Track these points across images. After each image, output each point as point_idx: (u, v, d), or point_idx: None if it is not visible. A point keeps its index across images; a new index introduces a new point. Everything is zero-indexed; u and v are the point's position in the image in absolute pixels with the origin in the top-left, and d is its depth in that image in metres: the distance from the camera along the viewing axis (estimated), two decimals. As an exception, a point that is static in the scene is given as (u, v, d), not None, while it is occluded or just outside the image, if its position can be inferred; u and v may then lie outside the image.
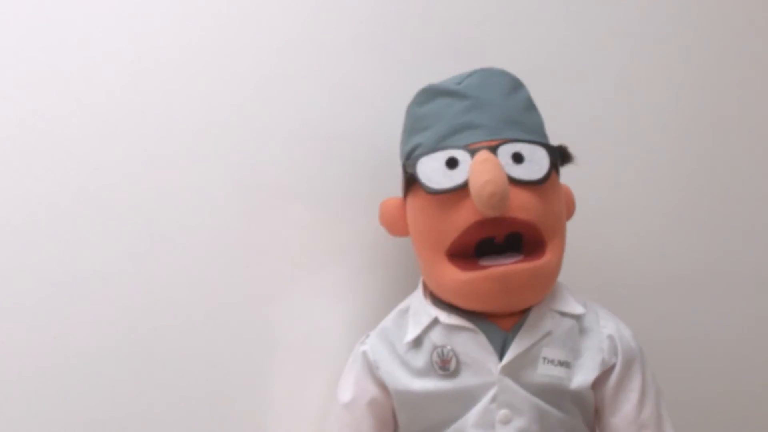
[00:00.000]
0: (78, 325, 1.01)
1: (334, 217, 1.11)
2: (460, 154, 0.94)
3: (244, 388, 1.08)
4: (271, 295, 1.08)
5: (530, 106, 1.01)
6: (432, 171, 0.95)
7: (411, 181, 0.98)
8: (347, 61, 1.13)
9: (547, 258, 0.96)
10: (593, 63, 1.23)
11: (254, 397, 1.08)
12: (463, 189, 0.93)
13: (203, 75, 1.07)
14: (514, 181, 0.93)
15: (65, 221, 1.01)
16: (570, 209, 1.02)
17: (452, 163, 0.94)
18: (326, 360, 1.07)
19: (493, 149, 0.93)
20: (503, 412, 0.93)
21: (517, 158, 0.94)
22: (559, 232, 0.99)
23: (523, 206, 0.93)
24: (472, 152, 0.93)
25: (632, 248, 1.23)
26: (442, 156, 0.95)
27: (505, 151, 0.94)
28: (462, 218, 0.94)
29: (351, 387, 1.01)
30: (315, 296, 1.10)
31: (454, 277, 0.95)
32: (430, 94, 1.00)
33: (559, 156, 0.99)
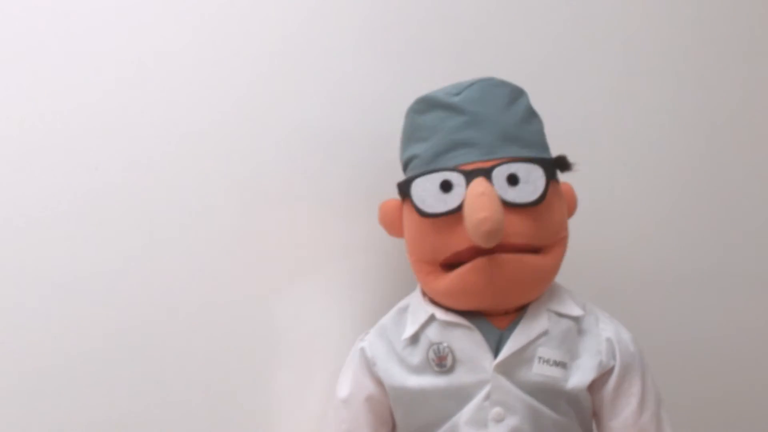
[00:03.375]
0: (78, 325, 1.02)
1: (335, 217, 1.11)
2: (455, 177, 0.94)
3: (245, 387, 1.08)
4: (272, 295, 1.09)
5: (529, 116, 1.00)
6: (426, 193, 0.95)
7: (407, 194, 0.98)
8: (347, 60, 1.13)
9: (540, 256, 0.96)
10: (594, 63, 1.23)
11: (255, 397, 1.08)
12: (457, 213, 0.93)
13: (203, 75, 1.08)
14: (508, 205, 0.93)
15: (65, 221, 1.02)
16: (571, 207, 1.02)
17: (446, 187, 0.94)
18: (327, 360, 1.08)
19: (488, 171, 0.93)
20: (496, 410, 0.93)
21: (512, 180, 0.94)
22: (560, 240, 0.99)
23: (517, 231, 0.94)
24: (467, 175, 0.93)
25: (632, 248, 1.22)
26: (437, 178, 0.95)
27: (500, 173, 0.94)
28: (455, 242, 0.94)
29: (349, 383, 1.02)
30: (316, 296, 1.11)
31: (445, 279, 0.96)
32: (428, 103, 1.00)
33: (558, 167, 0.98)
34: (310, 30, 1.12)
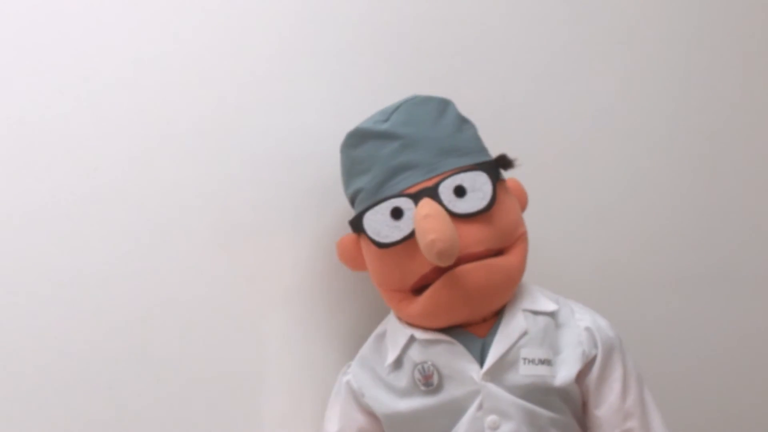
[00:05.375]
0: (78, 325, 1.01)
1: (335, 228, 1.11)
2: (403, 202, 0.94)
3: (242, 383, 1.07)
4: (273, 295, 1.09)
5: (460, 124, 1.01)
6: (379, 224, 0.95)
7: (360, 229, 0.98)
8: (344, 65, 1.13)
9: (504, 257, 0.96)
10: (594, 64, 1.23)
11: (256, 397, 1.08)
12: (412, 238, 0.93)
13: (204, 74, 1.07)
14: (461, 216, 0.93)
15: (65, 221, 1.01)
16: (522, 201, 1.02)
17: (397, 214, 0.95)
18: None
19: (434, 189, 0.94)
20: (491, 419, 0.93)
21: (459, 192, 0.94)
22: (519, 237, 0.99)
23: (475, 240, 0.94)
24: (414, 197, 0.94)
25: (633, 249, 1.23)
26: (386, 207, 0.95)
27: (446, 187, 0.94)
28: (418, 266, 0.95)
29: (337, 418, 1.01)
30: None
31: (417, 303, 0.96)
32: (359, 136, 1.00)
33: (501, 167, 0.99)
34: (307, 34, 1.12)
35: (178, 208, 1.06)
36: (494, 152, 1.01)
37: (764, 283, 1.27)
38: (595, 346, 0.98)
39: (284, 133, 1.10)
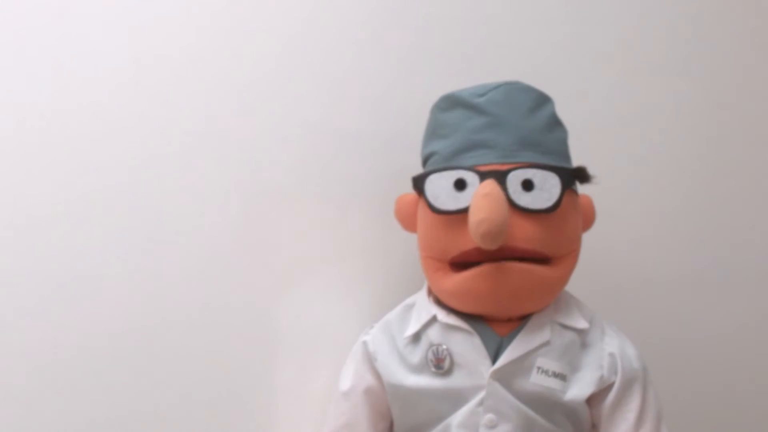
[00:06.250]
0: (78, 325, 1.02)
1: (337, 216, 1.11)
2: (470, 177, 0.94)
3: (246, 387, 1.08)
4: (273, 294, 1.09)
5: (553, 124, 0.99)
6: (440, 189, 0.95)
7: (420, 188, 0.98)
8: (348, 60, 1.13)
9: (549, 267, 0.95)
10: (596, 63, 1.21)
11: (257, 395, 1.09)
12: (466, 213, 0.92)
13: (204, 74, 1.08)
14: (520, 209, 0.93)
15: (65, 221, 1.02)
16: (588, 221, 1.01)
17: (460, 185, 0.94)
18: (329, 358, 1.07)
19: (504, 174, 0.93)
20: (489, 417, 0.93)
21: (527, 185, 0.93)
22: (571, 252, 0.98)
23: (526, 236, 0.93)
24: (482, 175, 0.93)
25: (632, 249, 1.21)
26: (452, 176, 0.95)
27: (516, 177, 0.93)
28: (463, 241, 0.94)
29: (350, 375, 1.02)
30: (318, 295, 1.11)
31: (452, 279, 0.96)
32: (451, 101, 1.00)
33: (576, 178, 0.98)
34: (311, 29, 1.12)
35: (179, 208, 1.06)
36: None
37: (764, 283, 1.24)
38: (615, 372, 0.97)
39: (285, 132, 1.10)
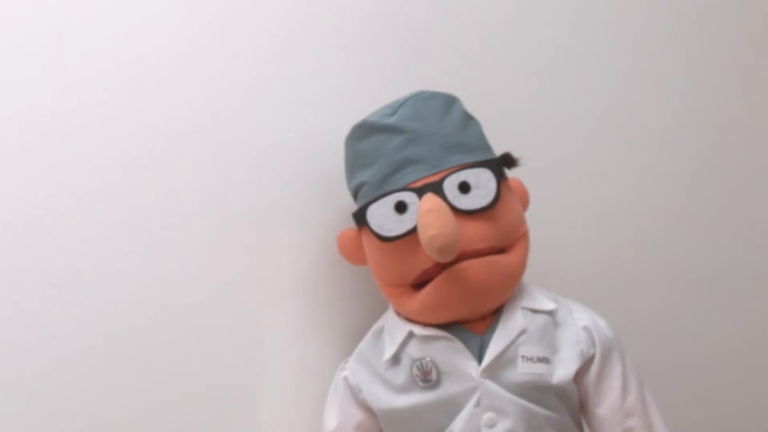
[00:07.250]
0: (78, 324, 1.01)
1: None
2: (407, 196, 0.94)
3: (246, 387, 1.07)
4: (271, 295, 1.09)
5: (466, 121, 1.01)
6: (382, 218, 0.95)
7: (363, 222, 0.98)
8: (339, 67, 1.13)
9: (505, 255, 0.97)
10: (596, 63, 1.23)
11: (257, 397, 1.08)
12: (415, 233, 0.93)
13: (204, 74, 1.07)
14: (464, 213, 0.94)
15: (65, 221, 1.01)
16: (524, 201, 1.03)
17: (401, 207, 0.95)
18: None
19: (439, 184, 0.94)
20: (488, 416, 0.93)
21: (464, 188, 0.95)
22: (521, 236, 1.00)
23: (478, 237, 0.94)
24: (419, 191, 0.94)
25: (632, 249, 1.23)
26: (390, 201, 0.95)
27: (451, 183, 0.94)
28: (420, 261, 0.95)
29: (335, 414, 1.01)
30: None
31: (418, 298, 0.96)
32: (365, 129, 1.00)
33: (505, 165, 0.99)
34: (307, 33, 1.12)
35: (179, 207, 1.05)
36: (496, 152, 1.01)
37: (764, 283, 1.28)
38: (593, 345, 0.98)
39: (285, 131, 1.10)
